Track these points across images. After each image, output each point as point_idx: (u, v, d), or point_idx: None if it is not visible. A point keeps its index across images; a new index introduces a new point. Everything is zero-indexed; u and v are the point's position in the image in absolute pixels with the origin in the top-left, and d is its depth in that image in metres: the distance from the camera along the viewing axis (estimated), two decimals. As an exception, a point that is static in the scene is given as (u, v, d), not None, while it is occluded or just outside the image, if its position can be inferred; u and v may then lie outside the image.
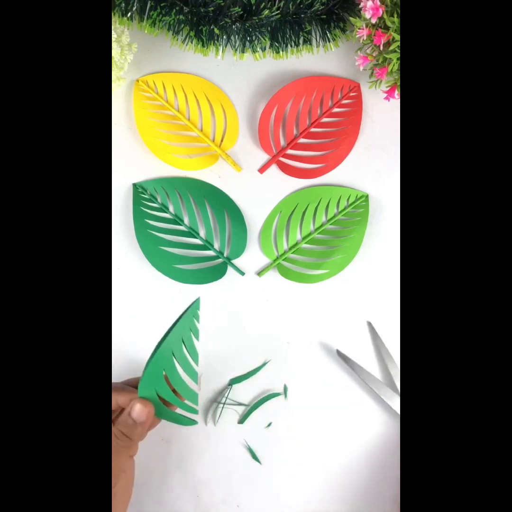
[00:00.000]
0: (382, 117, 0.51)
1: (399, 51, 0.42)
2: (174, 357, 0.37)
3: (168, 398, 0.38)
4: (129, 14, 0.46)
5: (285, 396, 0.48)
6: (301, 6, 0.46)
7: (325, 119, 0.51)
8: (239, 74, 0.52)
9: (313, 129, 0.51)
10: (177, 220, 0.50)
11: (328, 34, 0.49)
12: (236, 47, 0.48)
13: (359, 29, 0.43)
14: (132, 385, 0.40)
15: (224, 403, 0.47)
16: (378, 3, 0.41)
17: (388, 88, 0.46)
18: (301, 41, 0.49)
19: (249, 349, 0.48)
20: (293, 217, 0.50)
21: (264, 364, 0.48)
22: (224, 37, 0.48)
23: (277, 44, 0.49)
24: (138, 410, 0.36)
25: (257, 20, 0.46)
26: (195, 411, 0.40)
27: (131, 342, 0.48)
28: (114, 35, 0.44)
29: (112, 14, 0.46)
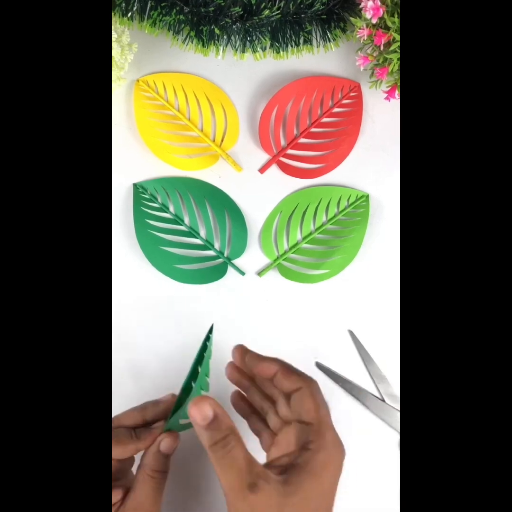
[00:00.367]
0: (382, 117, 0.51)
1: (399, 51, 0.42)
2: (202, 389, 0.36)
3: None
4: (129, 14, 0.46)
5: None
6: (302, 6, 0.46)
7: (325, 119, 0.51)
8: (239, 74, 0.51)
9: (313, 129, 0.51)
10: (178, 220, 0.50)
11: (329, 34, 0.49)
12: (236, 47, 0.48)
13: (359, 29, 0.43)
14: (145, 412, 0.38)
15: None
16: (379, 3, 0.41)
17: (388, 88, 0.46)
18: (301, 41, 0.49)
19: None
20: (293, 217, 0.50)
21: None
22: (225, 37, 0.48)
23: (277, 44, 0.49)
24: (168, 444, 0.36)
25: (257, 20, 0.46)
26: None
27: (131, 342, 0.48)
28: (114, 35, 0.44)
29: (113, 14, 0.46)
